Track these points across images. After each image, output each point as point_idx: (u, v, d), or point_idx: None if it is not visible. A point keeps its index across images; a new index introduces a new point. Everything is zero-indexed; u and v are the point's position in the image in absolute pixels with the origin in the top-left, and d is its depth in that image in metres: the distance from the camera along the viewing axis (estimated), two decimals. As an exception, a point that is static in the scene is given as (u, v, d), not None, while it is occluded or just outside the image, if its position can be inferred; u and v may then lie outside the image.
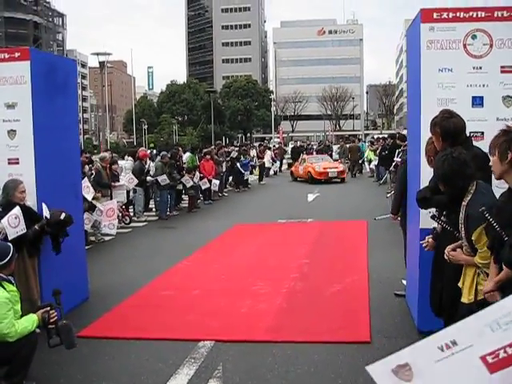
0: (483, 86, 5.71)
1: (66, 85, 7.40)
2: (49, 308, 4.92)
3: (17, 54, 6.55)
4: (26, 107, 6.54)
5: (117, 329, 6.60)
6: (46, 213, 6.41)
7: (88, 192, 10.51)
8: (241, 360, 5.55)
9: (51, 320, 4.87)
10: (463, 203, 4.04)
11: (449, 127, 4.76)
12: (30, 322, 4.80)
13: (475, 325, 2.22)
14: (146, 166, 16.67)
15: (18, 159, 6.62)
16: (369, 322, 6.41)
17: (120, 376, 5.30)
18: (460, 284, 4.22)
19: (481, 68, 5.71)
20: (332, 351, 5.66)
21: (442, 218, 4.68)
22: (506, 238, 3.48)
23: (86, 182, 10.53)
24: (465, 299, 4.11)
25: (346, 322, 6.49)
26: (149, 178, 16.29)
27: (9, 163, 6.63)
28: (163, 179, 15.94)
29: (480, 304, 3.76)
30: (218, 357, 5.63)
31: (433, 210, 5.05)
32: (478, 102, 5.69)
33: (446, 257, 4.29)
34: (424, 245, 5.17)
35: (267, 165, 31.01)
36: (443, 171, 4.12)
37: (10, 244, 4.96)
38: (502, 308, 2.24)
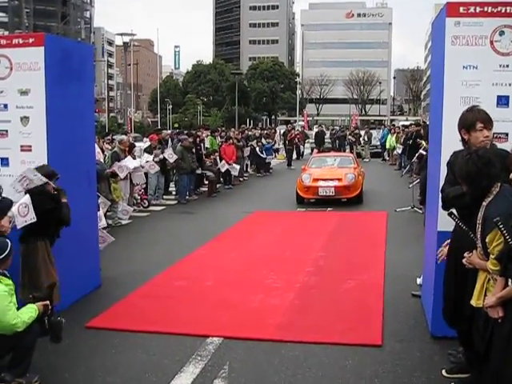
0: (509, 85, 5.45)
1: (82, 71, 7.28)
2: (48, 302, 4.88)
3: (31, 40, 6.45)
4: (39, 94, 6.45)
5: (125, 320, 6.54)
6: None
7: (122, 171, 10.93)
8: (248, 359, 5.45)
9: (47, 313, 4.86)
10: (483, 203, 3.85)
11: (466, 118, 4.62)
12: (32, 311, 4.76)
13: None
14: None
15: (30, 146, 6.55)
16: (381, 324, 6.25)
17: (125, 371, 5.23)
18: None
19: (507, 66, 5.45)
20: (342, 354, 5.52)
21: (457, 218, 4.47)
22: None
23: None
24: (473, 302, 3.97)
25: (358, 323, 6.33)
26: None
27: (21, 150, 6.58)
28: (170, 154, 15.81)
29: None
30: (225, 355, 5.53)
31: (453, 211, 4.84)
32: (503, 101, 5.44)
33: (464, 262, 4.10)
34: (439, 255, 4.99)
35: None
36: (467, 170, 3.93)
37: (7, 240, 4.89)
38: None
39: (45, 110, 6.46)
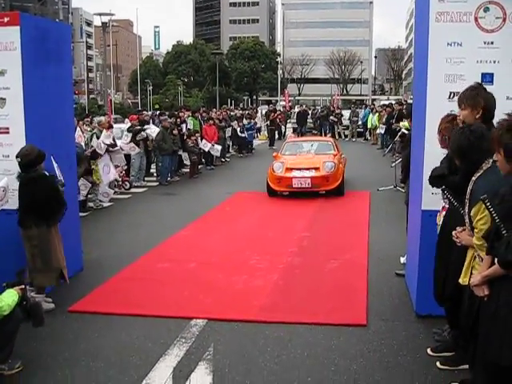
0: (494, 62, 5.40)
1: (60, 51, 7.10)
2: (23, 286, 4.82)
3: (6, 19, 6.25)
4: (16, 75, 6.28)
5: (108, 304, 6.47)
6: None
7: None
8: (232, 341, 5.42)
9: (25, 298, 4.83)
10: (473, 178, 3.82)
11: (492, 100, 4.52)
12: (13, 294, 4.69)
13: None
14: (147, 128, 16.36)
15: (8, 128, 6.40)
16: (366, 303, 6.25)
17: (108, 355, 5.17)
18: None
19: (492, 43, 5.39)
20: (327, 334, 5.52)
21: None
22: (504, 232, 3.27)
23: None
24: (460, 280, 3.96)
25: (342, 303, 6.33)
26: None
27: (-1, 133, 6.42)
28: (152, 129, 15.74)
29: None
30: (209, 337, 5.50)
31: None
32: (487, 79, 5.38)
33: (453, 237, 4.08)
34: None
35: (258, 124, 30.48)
36: (459, 143, 3.98)
37: None
38: None
39: (22, 92, 6.30)
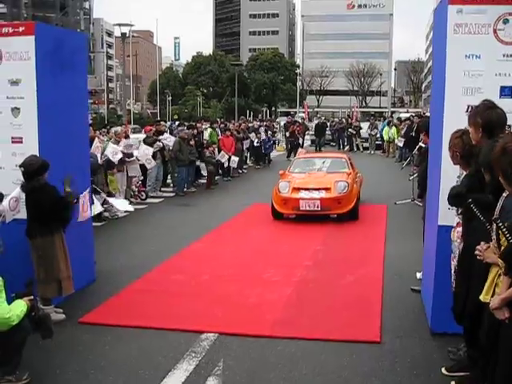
0: (513, 75, 5.29)
1: (75, 60, 7.09)
2: (32, 297, 4.79)
3: (21, 29, 6.28)
4: (30, 84, 6.28)
5: (120, 316, 6.41)
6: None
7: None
8: (243, 356, 5.32)
9: (34, 309, 4.79)
10: (503, 194, 3.67)
11: (491, 118, 4.41)
12: (22, 304, 4.67)
13: None
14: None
15: (21, 138, 6.40)
16: (380, 320, 6.12)
17: (118, 368, 5.11)
18: None
19: (511, 56, 5.29)
20: (339, 350, 5.40)
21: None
22: None
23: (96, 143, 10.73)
24: (481, 297, 3.80)
25: (356, 318, 6.21)
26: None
27: (12, 142, 6.42)
28: (168, 138, 16.05)
29: None
30: (220, 352, 5.41)
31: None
32: (506, 92, 5.28)
33: (477, 253, 3.90)
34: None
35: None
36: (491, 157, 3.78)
37: None
38: None
39: (36, 101, 6.30)
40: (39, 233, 6.06)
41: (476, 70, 5.32)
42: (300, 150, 17.34)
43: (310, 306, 6.66)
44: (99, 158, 11.19)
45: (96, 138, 12.13)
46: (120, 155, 12.60)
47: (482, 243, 3.86)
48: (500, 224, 3.29)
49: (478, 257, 3.85)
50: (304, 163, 14.43)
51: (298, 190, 12.08)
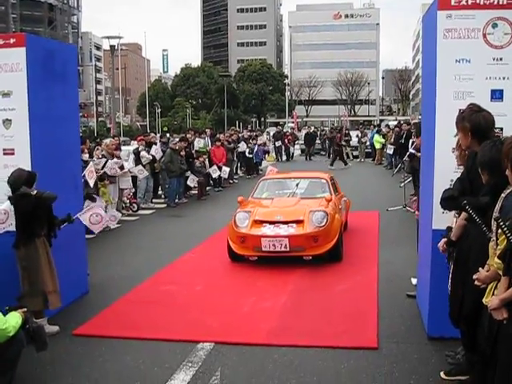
0: (503, 78, 5.31)
1: (65, 72, 7.09)
2: (26, 309, 4.75)
3: (12, 40, 6.25)
4: (21, 96, 6.25)
5: (113, 327, 6.35)
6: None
7: (91, 177, 10.27)
8: (240, 365, 5.28)
9: (28, 321, 4.75)
10: (502, 195, 3.65)
11: (479, 121, 4.43)
12: (16, 316, 4.63)
13: None
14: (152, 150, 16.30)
15: (13, 150, 6.36)
16: (376, 326, 6.10)
17: (113, 380, 5.06)
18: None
19: (501, 59, 5.31)
20: (336, 357, 5.38)
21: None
22: None
23: (91, 167, 10.30)
24: (484, 299, 3.77)
25: (352, 325, 6.19)
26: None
27: (4, 154, 6.38)
28: (156, 150, 15.76)
29: None
30: (216, 361, 5.37)
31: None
32: (497, 95, 5.31)
33: (476, 283, 3.82)
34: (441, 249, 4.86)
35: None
36: (491, 156, 3.80)
37: None
38: None
39: (27, 113, 6.27)
40: (23, 244, 5.97)
41: (466, 74, 5.35)
42: (270, 168, 14.15)
43: (305, 313, 6.63)
44: (91, 184, 10.81)
45: (91, 163, 11.72)
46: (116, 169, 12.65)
47: (475, 275, 3.79)
48: (501, 223, 3.29)
49: (480, 286, 3.78)
50: (273, 185, 11.11)
51: (261, 223, 9.05)
